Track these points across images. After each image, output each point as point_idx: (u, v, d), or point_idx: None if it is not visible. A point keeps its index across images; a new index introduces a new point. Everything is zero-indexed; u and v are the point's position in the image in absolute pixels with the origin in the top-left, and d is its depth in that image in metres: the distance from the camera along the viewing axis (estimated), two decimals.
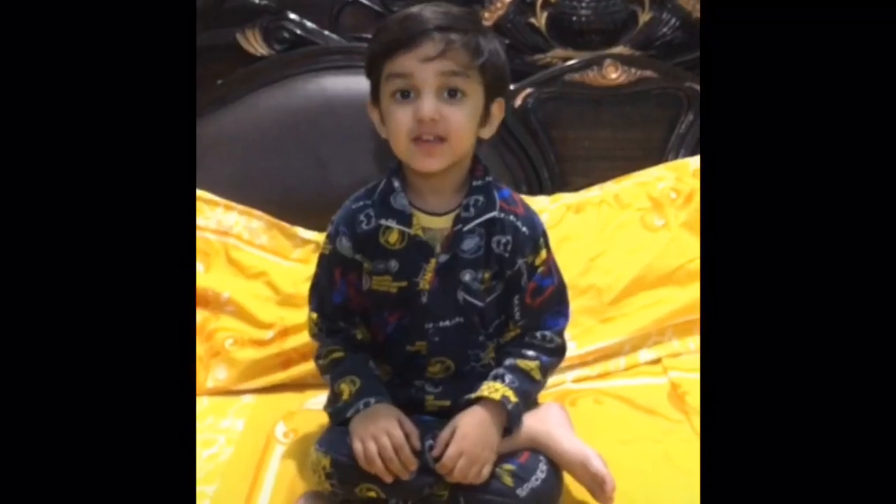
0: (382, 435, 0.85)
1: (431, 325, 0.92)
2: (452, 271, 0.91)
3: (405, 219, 0.92)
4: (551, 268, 0.97)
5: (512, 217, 0.94)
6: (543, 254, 0.96)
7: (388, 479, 0.86)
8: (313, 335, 1.01)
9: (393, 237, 0.92)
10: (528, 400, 0.94)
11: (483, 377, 0.94)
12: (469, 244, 0.92)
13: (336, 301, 0.96)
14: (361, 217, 0.94)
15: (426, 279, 0.91)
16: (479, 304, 0.93)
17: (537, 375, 0.94)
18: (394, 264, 0.92)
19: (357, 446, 0.86)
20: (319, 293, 0.99)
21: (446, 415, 0.93)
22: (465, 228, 0.91)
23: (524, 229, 0.94)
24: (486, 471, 0.87)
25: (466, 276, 0.92)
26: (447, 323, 0.92)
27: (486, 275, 0.92)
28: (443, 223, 0.92)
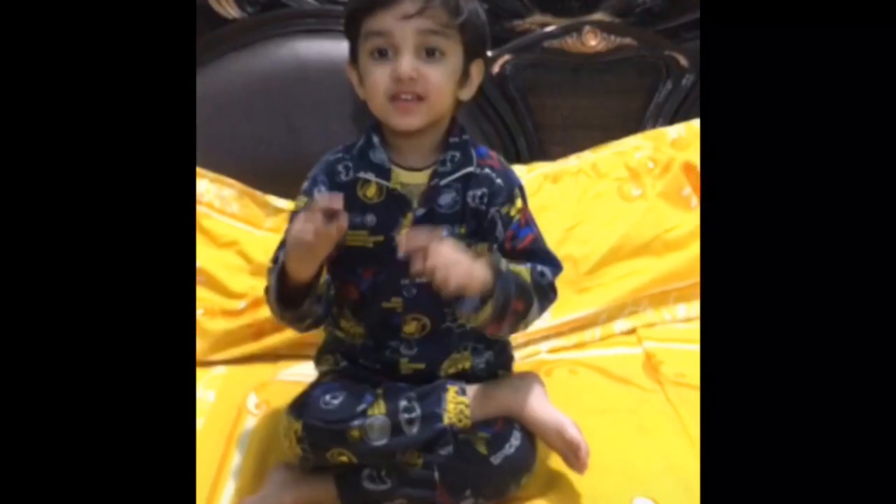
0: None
1: (406, 281, 0.91)
2: (429, 226, 0.90)
3: (384, 173, 0.91)
4: (528, 219, 0.95)
5: (487, 170, 0.93)
6: (519, 203, 0.94)
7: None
8: (266, 291, 0.94)
9: (371, 191, 0.91)
10: (512, 290, 0.86)
11: (461, 337, 0.94)
12: (446, 199, 0.91)
13: None
14: (340, 168, 0.93)
15: (403, 234, 0.90)
16: None
17: (527, 278, 0.90)
18: (370, 218, 0.91)
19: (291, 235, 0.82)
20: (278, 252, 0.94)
21: (421, 379, 0.92)
22: (442, 183, 0.90)
23: (498, 181, 0.93)
24: (442, 284, 0.80)
25: (444, 232, 0.90)
26: (423, 279, 0.91)
27: (463, 230, 0.91)
28: (420, 178, 0.91)
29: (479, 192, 0.91)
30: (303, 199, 0.94)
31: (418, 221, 0.90)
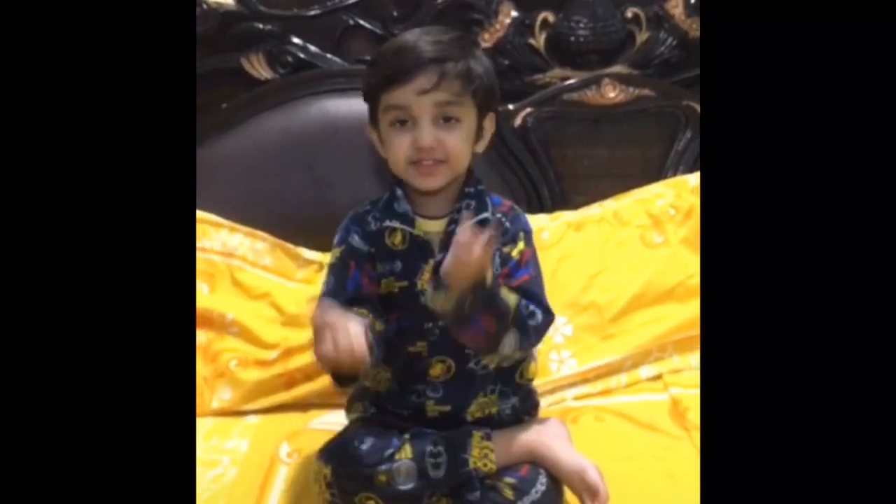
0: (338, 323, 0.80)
1: (430, 324, 0.94)
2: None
3: (408, 221, 0.96)
4: (529, 263, 0.96)
5: (499, 215, 0.97)
6: (521, 245, 0.96)
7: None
8: None
9: (397, 239, 0.95)
10: (487, 303, 0.86)
11: (485, 380, 0.96)
12: None
13: (349, 290, 0.94)
14: (369, 219, 0.97)
15: (425, 279, 0.94)
16: None
17: (512, 306, 0.90)
18: (398, 265, 0.95)
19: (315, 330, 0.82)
20: (329, 285, 0.96)
21: (447, 422, 0.94)
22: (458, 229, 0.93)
23: (507, 224, 0.97)
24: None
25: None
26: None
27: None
28: (439, 226, 0.96)
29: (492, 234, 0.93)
30: (337, 251, 0.98)
31: (438, 266, 0.92)
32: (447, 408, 0.96)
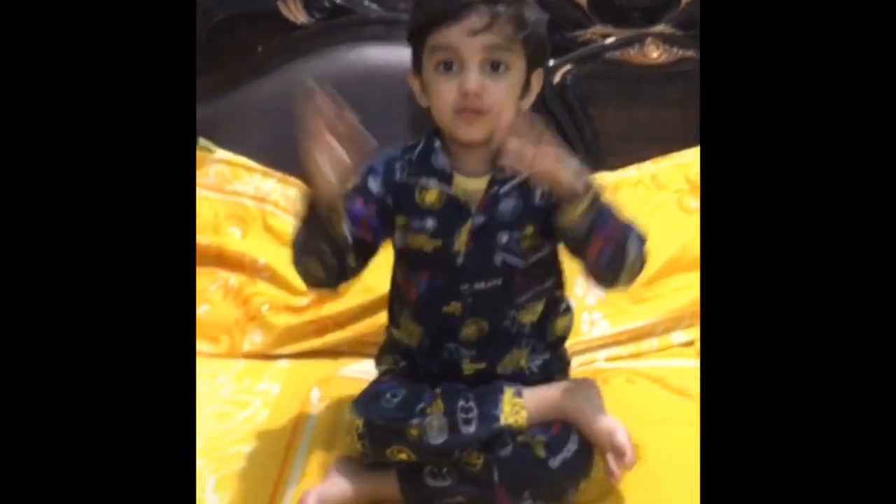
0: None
1: (467, 286, 0.93)
2: (489, 233, 0.92)
3: (445, 177, 0.92)
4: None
5: None
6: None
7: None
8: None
9: (431, 196, 0.92)
10: (610, 209, 0.87)
11: (518, 337, 0.95)
12: (506, 206, 0.92)
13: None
14: (397, 166, 0.94)
15: (461, 240, 0.92)
16: (521, 263, 0.93)
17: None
18: (430, 223, 0.92)
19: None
20: None
21: (483, 379, 0.94)
22: (502, 191, 0.91)
23: None
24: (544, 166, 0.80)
25: (504, 238, 0.92)
26: (483, 285, 0.93)
27: (530, 231, 0.92)
28: (479, 185, 0.92)
29: (544, 191, 0.91)
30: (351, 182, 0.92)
31: (477, 229, 0.91)
32: (482, 365, 0.96)
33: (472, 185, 0.93)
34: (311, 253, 0.87)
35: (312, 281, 0.91)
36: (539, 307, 0.97)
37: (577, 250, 0.90)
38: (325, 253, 0.86)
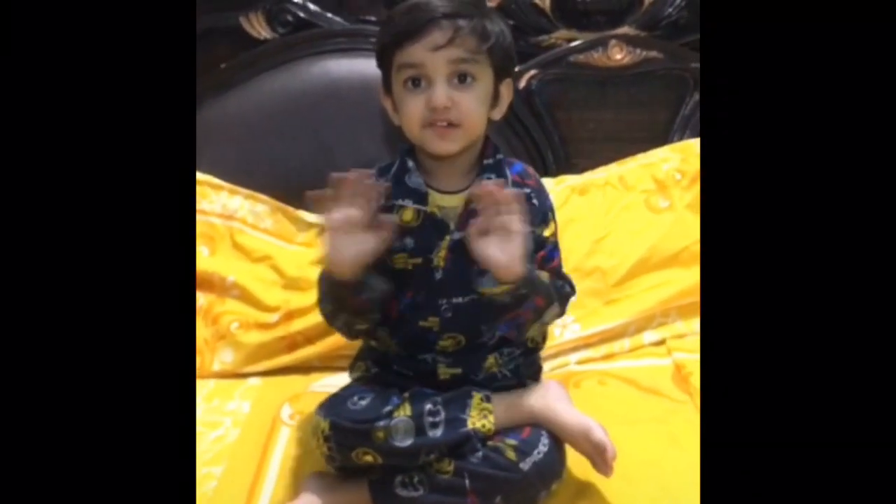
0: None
1: (445, 302, 0.93)
2: (466, 249, 0.91)
3: (420, 197, 0.93)
4: (556, 243, 0.98)
5: (527, 189, 0.95)
6: (553, 226, 0.97)
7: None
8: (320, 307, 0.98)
9: (408, 215, 0.93)
10: (537, 285, 0.89)
11: (494, 349, 0.96)
12: None
13: None
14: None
15: (440, 256, 0.92)
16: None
17: (546, 281, 0.92)
18: (409, 241, 0.93)
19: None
20: None
21: (457, 384, 0.94)
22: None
23: (535, 201, 0.95)
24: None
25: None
26: (461, 300, 0.93)
27: None
28: (456, 201, 0.93)
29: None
30: None
31: (455, 244, 0.92)
32: (458, 370, 0.96)
33: (449, 202, 0.93)
34: (349, 323, 0.95)
35: (350, 335, 0.99)
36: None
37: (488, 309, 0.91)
38: (352, 323, 0.94)
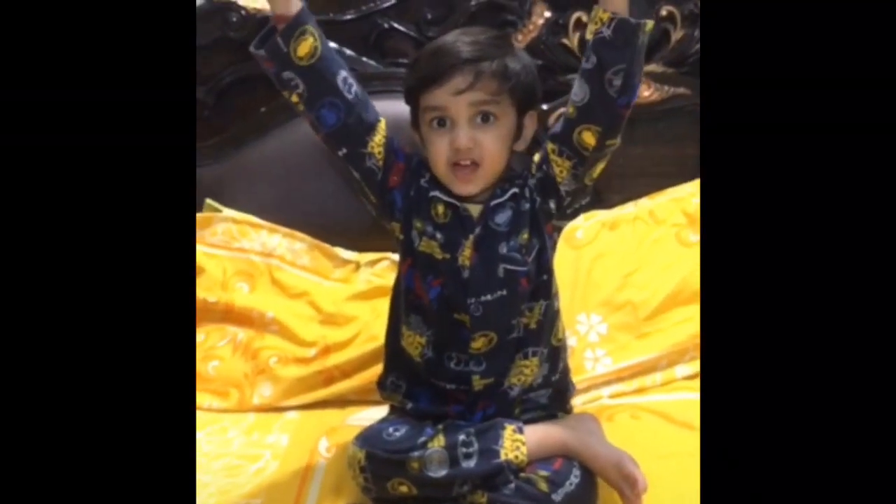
0: None
1: (473, 300, 0.96)
2: (489, 245, 0.95)
3: (451, 194, 0.96)
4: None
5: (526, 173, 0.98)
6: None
7: None
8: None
9: (440, 209, 0.97)
10: None
11: (522, 343, 0.97)
12: (502, 217, 0.96)
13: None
14: (424, 171, 0.98)
15: (465, 255, 0.96)
16: (523, 268, 0.96)
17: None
18: (439, 235, 0.96)
19: None
20: None
21: (490, 392, 0.96)
22: (494, 203, 0.96)
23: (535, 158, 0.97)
24: None
25: (503, 249, 0.96)
26: (489, 297, 0.96)
27: (525, 236, 0.96)
28: (477, 210, 0.97)
29: (526, 191, 0.96)
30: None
31: (479, 241, 0.95)
32: (491, 380, 0.97)
33: (472, 210, 0.98)
34: (276, 58, 0.91)
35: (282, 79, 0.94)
36: (539, 308, 0.98)
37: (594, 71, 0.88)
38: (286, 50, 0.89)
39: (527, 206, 0.96)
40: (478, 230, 0.95)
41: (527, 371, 0.99)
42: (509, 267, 0.95)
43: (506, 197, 0.96)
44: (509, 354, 0.98)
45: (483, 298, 0.95)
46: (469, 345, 0.97)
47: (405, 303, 1.00)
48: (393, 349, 1.04)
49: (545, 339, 1.00)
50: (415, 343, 1.00)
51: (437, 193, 0.97)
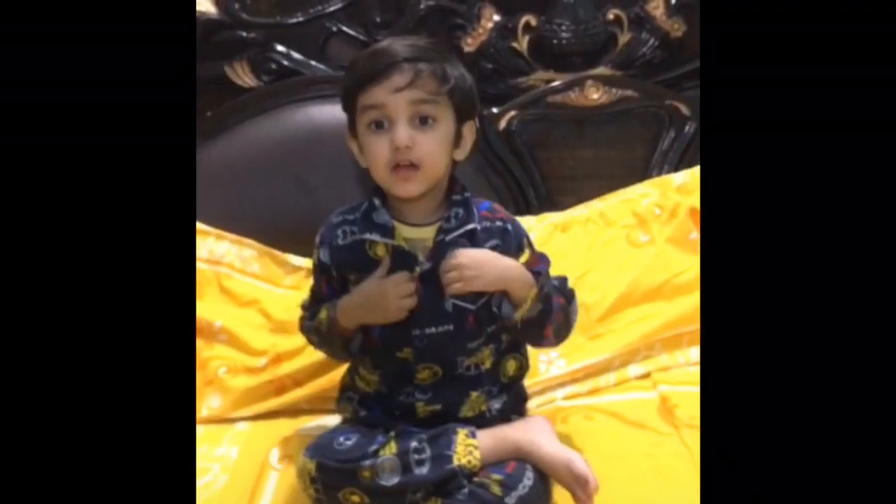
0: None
1: (418, 332, 0.95)
2: (437, 279, 0.94)
3: (387, 232, 0.96)
4: (539, 259, 1.01)
5: (498, 222, 0.98)
6: (527, 253, 1.00)
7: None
8: (301, 326, 1.05)
9: (380, 250, 0.96)
10: (550, 285, 0.97)
11: (475, 382, 0.97)
12: None
13: (329, 298, 1.00)
14: (339, 232, 0.99)
15: (444, 263, 0.94)
16: (471, 306, 0.95)
17: (553, 281, 0.99)
18: (381, 275, 0.95)
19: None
20: (313, 295, 1.04)
21: (437, 421, 0.95)
22: (448, 238, 0.95)
23: (510, 231, 0.98)
24: (477, 284, 0.92)
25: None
26: (433, 329, 0.95)
27: None
28: (425, 233, 0.96)
29: (492, 244, 0.96)
30: (316, 253, 1.01)
31: (425, 275, 0.94)
32: (437, 407, 0.97)
33: (417, 234, 0.96)
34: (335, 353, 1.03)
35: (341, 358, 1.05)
36: (489, 351, 0.98)
37: (530, 338, 1.00)
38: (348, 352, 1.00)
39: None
40: (426, 265, 0.94)
41: (483, 407, 0.99)
42: (458, 303, 0.95)
43: (459, 232, 0.95)
44: (461, 389, 0.97)
45: (428, 331, 0.95)
46: (414, 376, 0.96)
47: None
48: (350, 378, 1.04)
49: (497, 378, 1.00)
50: (369, 380, 1.00)
51: (370, 236, 0.96)
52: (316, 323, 0.99)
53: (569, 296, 0.99)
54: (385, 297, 0.92)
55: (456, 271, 0.91)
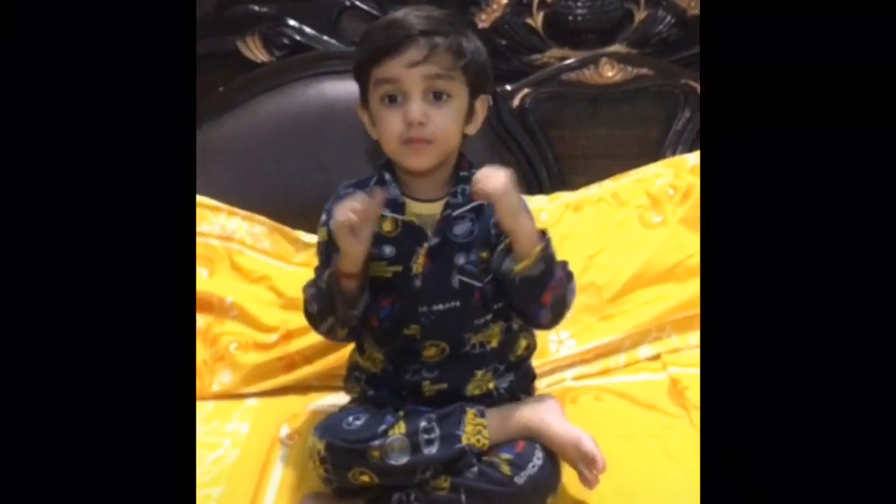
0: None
1: (425, 308, 0.94)
2: (445, 255, 0.94)
3: (397, 207, 0.95)
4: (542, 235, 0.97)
5: None
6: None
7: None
8: (304, 307, 1.01)
9: (387, 225, 0.95)
10: (553, 251, 0.92)
11: (480, 360, 0.96)
12: (461, 228, 0.94)
13: None
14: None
15: (419, 263, 0.94)
16: (478, 283, 0.94)
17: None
18: (389, 250, 0.94)
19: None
20: (318, 271, 1.01)
21: (445, 400, 0.95)
22: (455, 213, 0.94)
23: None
24: (500, 196, 0.86)
25: (460, 260, 0.94)
26: (440, 306, 0.94)
27: (485, 254, 0.94)
28: (434, 209, 0.95)
29: (497, 219, 0.94)
30: (323, 231, 0.99)
31: (433, 250, 0.94)
32: (444, 386, 0.96)
33: (426, 210, 0.95)
34: (337, 325, 0.96)
35: (335, 337, 1.00)
36: (498, 329, 0.98)
37: (525, 300, 0.93)
38: (335, 327, 0.96)
39: (491, 229, 0.94)
40: (435, 240, 0.93)
41: (490, 385, 0.98)
42: (465, 279, 0.94)
43: (467, 207, 0.94)
44: (467, 367, 0.96)
45: (435, 308, 0.94)
46: (421, 354, 0.96)
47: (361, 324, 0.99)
48: (355, 359, 1.03)
49: (505, 356, 1.00)
50: (375, 359, 0.99)
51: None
52: (317, 284, 0.96)
53: (569, 274, 0.96)
54: (342, 208, 0.87)
55: (486, 181, 0.87)
